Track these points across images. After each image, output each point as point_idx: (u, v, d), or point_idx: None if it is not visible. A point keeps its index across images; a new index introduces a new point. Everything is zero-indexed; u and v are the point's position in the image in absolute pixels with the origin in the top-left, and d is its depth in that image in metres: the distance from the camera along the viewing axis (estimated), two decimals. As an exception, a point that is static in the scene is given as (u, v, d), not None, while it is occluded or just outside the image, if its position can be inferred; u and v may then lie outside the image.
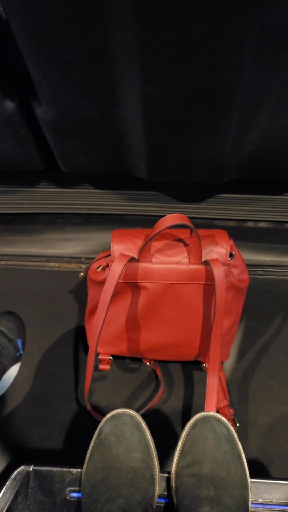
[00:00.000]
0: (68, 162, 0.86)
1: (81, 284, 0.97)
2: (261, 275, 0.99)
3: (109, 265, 0.70)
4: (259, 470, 0.75)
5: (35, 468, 0.66)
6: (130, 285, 0.71)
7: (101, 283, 0.73)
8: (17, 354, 0.82)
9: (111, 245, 0.70)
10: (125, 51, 0.56)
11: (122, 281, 0.70)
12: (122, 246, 0.70)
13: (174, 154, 0.79)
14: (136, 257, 0.69)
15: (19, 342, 0.83)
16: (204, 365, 0.81)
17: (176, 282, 0.70)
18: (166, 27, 0.53)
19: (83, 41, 0.56)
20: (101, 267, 0.73)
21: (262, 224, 1.08)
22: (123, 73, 0.61)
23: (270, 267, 1.00)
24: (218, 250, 0.70)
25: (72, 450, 0.77)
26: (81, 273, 0.80)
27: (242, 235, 1.07)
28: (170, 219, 0.63)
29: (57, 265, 1.01)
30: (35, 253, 1.04)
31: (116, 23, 0.52)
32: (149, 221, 1.04)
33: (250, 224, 1.08)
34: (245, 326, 0.91)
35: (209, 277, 0.70)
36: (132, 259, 0.67)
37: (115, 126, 0.73)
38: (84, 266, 1.00)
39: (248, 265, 0.97)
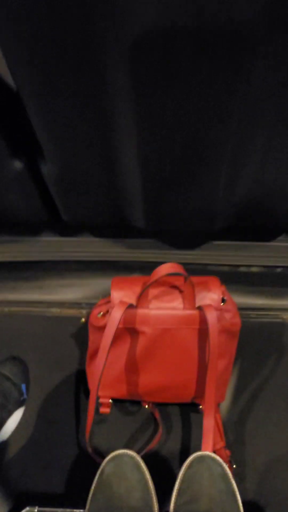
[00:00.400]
0: (70, 213, 0.93)
1: (81, 329, 1.01)
2: (254, 317, 1.04)
3: (109, 311, 0.74)
4: (256, 510, 0.77)
5: (40, 509, 0.68)
6: (129, 330, 0.75)
7: (102, 328, 0.77)
8: (21, 398, 0.85)
9: (111, 292, 0.75)
10: (125, 118, 0.63)
11: (122, 326, 0.74)
12: (121, 293, 0.74)
13: (169, 204, 0.86)
14: (135, 304, 0.73)
15: (23, 386, 0.86)
16: (200, 407, 0.84)
17: (172, 327, 0.74)
18: (161, 102, 0.60)
19: (89, 111, 0.63)
20: (102, 313, 0.78)
21: (254, 269, 1.13)
22: (122, 136, 0.67)
23: (263, 310, 1.05)
24: (210, 295, 0.75)
25: (75, 493, 0.79)
26: (83, 319, 0.85)
27: (235, 279, 1.12)
28: (165, 268, 0.69)
29: (59, 310, 1.05)
30: (37, 299, 1.08)
31: (118, 97, 0.59)
32: (146, 267, 1.09)
33: (243, 269, 1.13)
34: (239, 368, 0.95)
35: (203, 321, 0.74)
36: (130, 306, 0.72)
37: (114, 180, 0.80)
38: (84, 311, 1.04)
39: (241, 308, 1.01)
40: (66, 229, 1.07)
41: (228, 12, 0.48)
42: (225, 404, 0.90)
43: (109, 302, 0.77)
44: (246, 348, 0.97)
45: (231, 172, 0.77)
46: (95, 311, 0.80)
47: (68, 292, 1.12)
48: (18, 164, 0.80)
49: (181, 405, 0.89)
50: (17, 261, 1.13)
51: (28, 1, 0.48)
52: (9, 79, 0.70)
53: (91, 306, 1.05)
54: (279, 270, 1.13)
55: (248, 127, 0.66)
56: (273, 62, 0.53)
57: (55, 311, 1.05)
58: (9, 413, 0.81)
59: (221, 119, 0.63)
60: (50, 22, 0.50)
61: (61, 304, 1.06)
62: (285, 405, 0.90)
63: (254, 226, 0.99)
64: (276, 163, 0.76)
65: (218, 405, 0.89)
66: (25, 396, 0.87)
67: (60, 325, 1.02)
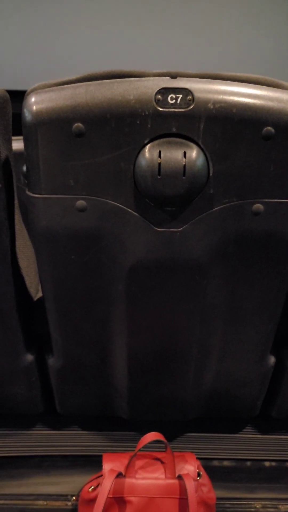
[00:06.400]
0: (64, 403, 1.09)
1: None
2: (229, 507, 1.10)
3: (100, 483, 0.85)
4: None
5: None
6: (117, 501, 0.85)
7: (93, 501, 0.86)
8: None
9: (103, 464, 0.87)
10: (119, 317, 0.88)
11: (111, 496, 0.84)
12: (112, 464, 0.87)
13: (149, 393, 1.04)
14: (123, 473, 0.85)
15: None
16: None
17: (156, 496, 0.84)
18: (145, 306, 0.86)
19: (94, 313, 0.88)
20: (93, 487, 0.88)
21: (226, 463, 1.24)
22: (116, 332, 0.91)
23: (237, 499, 1.12)
24: (188, 467, 0.88)
25: None
26: (73, 497, 0.93)
27: (208, 474, 1.21)
28: (149, 436, 0.84)
29: (45, 503, 1.10)
30: (24, 492, 1.13)
31: (117, 303, 0.85)
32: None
33: (216, 463, 1.24)
34: None
35: (183, 491, 0.85)
36: (120, 474, 0.84)
37: (107, 371, 1.00)
38: (70, 503, 1.09)
39: (217, 498, 1.09)
40: (57, 422, 1.20)
41: (189, 253, 0.78)
42: None
43: (99, 477, 0.88)
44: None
45: (198, 364, 0.99)
46: (86, 487, 0.89)
47: (52, 488, 1.17)
48: (29, 357, 1.00)
49: None
50: (5, 456, 1.21)
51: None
52: (32, 291, 0.97)
53: (76, 495, 1.11)
54: (248, 463, 1.24)
55: (207, 326, 0.91)
56: (219, 281, 0.82)
57: (41, 503, 1.10)
58: None
59: (187, 318, 0.88)
60: (80, 264, 0.80)
61: (48, 496, 1.11)
62: None
63: (222, 416, 1.15)
64: (231, 356, 0.99)
65: None
66: None
67: (46, 517, 1.05)
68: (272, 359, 1.01)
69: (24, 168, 0.74)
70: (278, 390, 1.10)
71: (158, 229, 0.74)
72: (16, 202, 0.84)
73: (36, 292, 1.03)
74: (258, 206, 0.72)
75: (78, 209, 0.72)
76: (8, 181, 0.79)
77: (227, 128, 0.66)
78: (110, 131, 0.66)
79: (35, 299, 0.99)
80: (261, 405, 1.13)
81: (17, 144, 0.82)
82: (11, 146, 0.81)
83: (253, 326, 0.91)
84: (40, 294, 1.01)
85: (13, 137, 0.84)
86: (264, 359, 0.99)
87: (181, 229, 0.74)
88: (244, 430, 1.23)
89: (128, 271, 0.79)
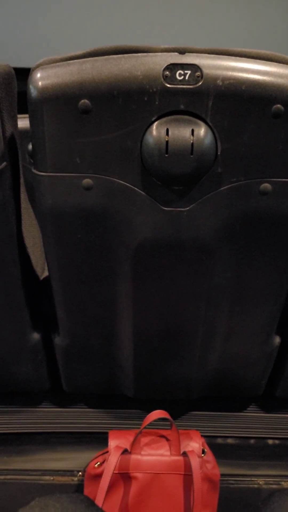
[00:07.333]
0: (71, 381, 1.10)
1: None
2: (233, 484, 1.12)
3: (106, 458, 0.86)
4: None
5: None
6: (123, 476, 0.86)
7: (98, 476, 0.87)
8: None
9: (109, 441, 0.88)
10: (125, 297, 0.88)
11: (117, 472, 0.85)
12: (118, 441, 0.88)
13: (154, 372, 1.05)
14: (129, 450, 0.86)
15: None
16: None
17: (161, 472, 0.86)
18: (151, 286, 0.86)
19: (100, 293, 0.88)
20: (99, 463, 0.89)
21: (230, 441, 1.26)
22: (122, 312, 0.91)
23: (241, 476, 1.14)
24: (192, 444, 0.89)
25: None
26: (80, 473, 0.94)
27: (213, 451, 1.23)
28: (155, 414, 0.85)
29: (52, 478, 1.12)
30: (31, 468, 1.16)
31: (123, 282, 0.85)
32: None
33: (220, 440, 1.25)
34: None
35: (187, 467, 0.86)
36: (125, 451, 0.85)
37: (112, 350, 1.00)
38: (76, 478, 1.12)
39: (221, 475, 1.11)
40: (63, 400, 1.22)
41: (196, 232, 0.77)
42: None
43: (105, 453, 0.90)
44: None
45: (203, 343, 0.99)
46: (92, 463, 0.91)
47: (59, 464, 1.19)
48: (36, 336, 1.01)
49: None
50: (13, 432, 1.24)
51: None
52: (38, 270, 0.98)
53: (83, 471, 1.13)
54: (252, 441, 1.26)
55: (212, 306, 0.91)
56: (226, 261, 0.82)
57: (48, 478, 1.12)
58: None
59: (193, 298, 0.88)
60: (86, 243, 0.79)
61: (54, 472, 1.13)
62: None
63: (227, 395, 1.16)
64: (237, 336, 0.99)
65: None
66: None
67: (53, 492, 1.07)
68: (277, 339, 1.02)
69: (30, 146, 0.74)
70: (282, 370, 1.10)
71: (165, 208, 0.73)
72: (22, 181, 0.84)
73: (42, 271, 1.04)
74: (266, 186, 0.71)
75: (84, 188, 0.72)
76: (14, 159, 0.78)
77: (236, 106, 0.65)
78: (117, 108, 0.65)
79: (41, 278, 0.99)
80: (265, 384, 1.14)
81: (23, 123, 0.81)
82: (17, 123, 0.80)
83: (259, 306, 0.91)
84: (46, 274, 1.02)
85: (19, 115, 0.83)
86: (269, 339, 1.00)
87: (188, 208, 0.73)
88: (248, 409, 1.24)
89: (134, 251, 0.79)
